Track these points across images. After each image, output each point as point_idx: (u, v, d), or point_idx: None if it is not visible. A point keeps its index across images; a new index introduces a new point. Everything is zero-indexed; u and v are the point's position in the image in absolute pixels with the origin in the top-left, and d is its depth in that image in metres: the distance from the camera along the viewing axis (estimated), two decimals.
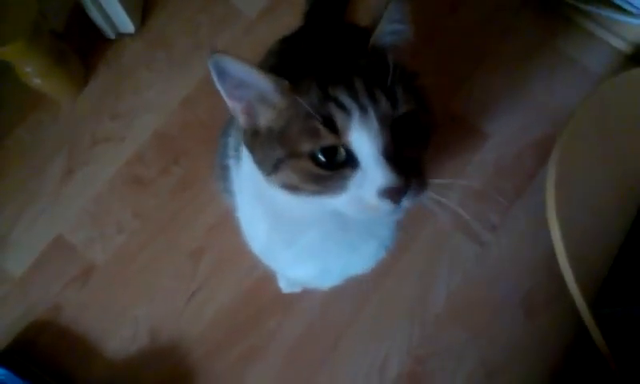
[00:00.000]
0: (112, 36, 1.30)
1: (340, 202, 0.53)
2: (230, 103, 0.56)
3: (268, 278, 1.12)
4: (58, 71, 1.18)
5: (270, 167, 0.55)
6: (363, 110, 0.50)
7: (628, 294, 0.94)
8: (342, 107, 0.51)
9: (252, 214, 0.74)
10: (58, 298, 1.16)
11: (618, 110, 1.08)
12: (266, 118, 0.56)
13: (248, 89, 0.54)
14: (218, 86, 0.54)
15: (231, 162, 0.84)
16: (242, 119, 0.57)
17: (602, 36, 1.29)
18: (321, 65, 0.57)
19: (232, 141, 0.84)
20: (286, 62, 0.76)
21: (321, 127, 0.51)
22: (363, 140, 0.50)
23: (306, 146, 0.52)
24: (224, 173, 0.89)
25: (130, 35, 1.31)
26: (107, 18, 1.25)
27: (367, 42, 0.57)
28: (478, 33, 1.33)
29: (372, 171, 0.50)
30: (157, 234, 1.20)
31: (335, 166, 0.52)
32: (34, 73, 1.15)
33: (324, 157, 0.51)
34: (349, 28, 0.94)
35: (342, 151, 0.51)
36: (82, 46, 1.28)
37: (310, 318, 1.14)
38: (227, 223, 0.94)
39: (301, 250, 0.69)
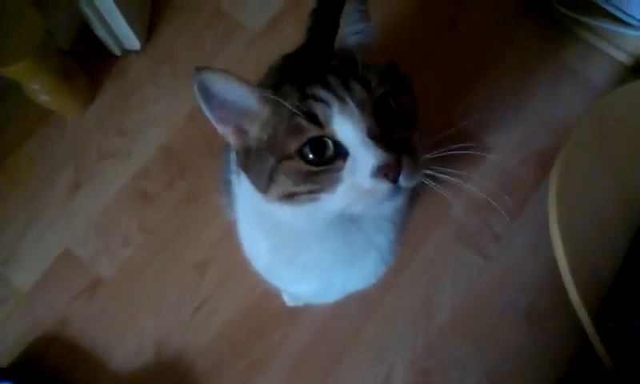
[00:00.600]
0: (118, 52, 1.32)
1: (338, 196, 0.53)
2: (219, 127, 0.57)
3: (272, 291, 1.12)
4: (64, 88, 1.20)
5: (265, 182, 0.56)
6: (341, 99, 0.52)
7: (631, 307, 0.94)
8: (321, 101, 0.52)
9: (253, 234, 0.75)
10: (65, 311, 1.18)
11: (618, 122, 1.08)
12: (254, 132, 0.57)
13: (233, 106, 0.55)
14: (205, 110, 0.54)
15: (233, 177, 0.85)
16: (232, 141, 0.58)
17: (603, 48, 1.30)
18: (298, 73, 0.58)
19: (234, 156, 0.86)
20: (287, 78, 0.77)
21: (304, 122, 0.52)
22: (347, 127, 0.51)
23: (294, 144, 0.53)
24: (227, 187, 0.90)
25: (135, 51, 1.33)
26: (113, 35, 1.27)
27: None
28: (480, 46, 1.34)
29: (361, 155, 0.51)
30: (162, 248, 1.21)
31: (326, 161, 0.53)
32: (41, 90, 1.18)
33: (313, 153, 0.52)
34: None
35: (330, 144, 0.52)
36: (88, 63, 1.30)
37: (314, 331, 1.15)
38: (232, 237, 0.94)
39: (302, 268, 0.69)
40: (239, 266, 0.82)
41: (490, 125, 1.27)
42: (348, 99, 0.52)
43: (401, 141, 0.53)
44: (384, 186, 0.51)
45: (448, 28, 1.36)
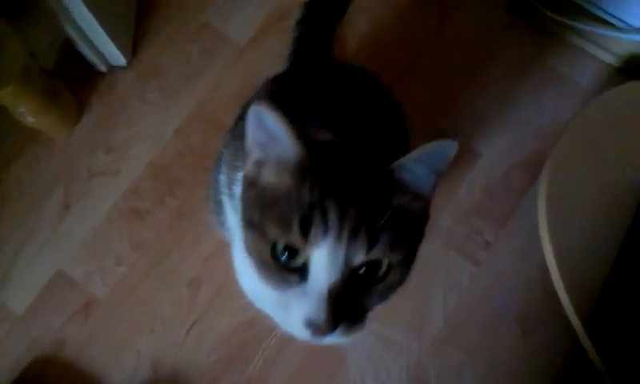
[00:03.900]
0: (103, 69, 1.30)
1: (273, 295, 0.54)
2: (251, 150, 0.55)
3: None
4: (51, 108, 1.19)
5: (245, 219, 0.56)
6: (338, 239, 0.48)
7: (622, 310, 0.95)
8: (324, 220, 0.49)
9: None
10: (61, 332, 1.18)
11: (606, 126, 1.09)
12: (267, 178, 0.54)
13: (274, 146, 0.52)
14: (250, 131, 0.52)
15: (224, 199, 0.85)
16: (247, 167, 0.56)
17: (591, 51, 1.30)
18: (334, 155, 0.54)
19: (224, 178, 0.85)
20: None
21: (296, 225, 0.49)
22: (322, 264, 0.49)
23: (273, 234, 0.51)
24: (218, 207, 0.90)
25: (121, 68, 1.31)
26: (98, 52, 1.26)
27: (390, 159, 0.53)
28: (466, 53, 1.33)
29: (310, 297, 0.50)
30: (155, 265, 1.21)
31: (288, 267, 0.51)
32: (28, 112, 1.16)
33: (283, 252, 0.51)
34: (338, 68, 0.95)
35: (302, 259, 0.50)
36: (73, 81, 1.29)
37: (309, 347, 1.15)
38: (224, 253, 0.95)
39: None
40: (233, 281, 0.82)
41: (478, 131, 1.27)
42: (343, 244, 0.48)
43: (358, 303, 0.52)
44: (307, 336, 0.51)
45: (434, 37, 1.34)
